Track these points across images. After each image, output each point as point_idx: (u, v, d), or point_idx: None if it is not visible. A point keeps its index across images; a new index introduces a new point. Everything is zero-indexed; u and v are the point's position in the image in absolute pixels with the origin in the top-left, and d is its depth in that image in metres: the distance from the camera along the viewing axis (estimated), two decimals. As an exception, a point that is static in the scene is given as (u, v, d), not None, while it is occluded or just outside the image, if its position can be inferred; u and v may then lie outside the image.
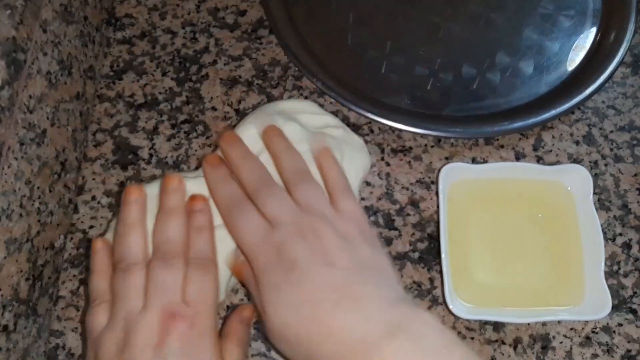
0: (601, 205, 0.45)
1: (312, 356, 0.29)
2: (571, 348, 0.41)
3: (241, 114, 0.48)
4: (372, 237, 0.34)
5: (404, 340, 0.27)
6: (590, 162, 0.47)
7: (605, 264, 0.41)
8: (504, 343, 0.41)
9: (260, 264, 0.32)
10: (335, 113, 0.48)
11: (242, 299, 0.41)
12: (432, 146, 0.47)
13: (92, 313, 0.33)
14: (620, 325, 0.42)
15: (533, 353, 0.40)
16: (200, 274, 0.33)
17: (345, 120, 0.48)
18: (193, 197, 0.36)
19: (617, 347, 0.41)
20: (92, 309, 0.33)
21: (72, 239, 0.43)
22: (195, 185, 0.36)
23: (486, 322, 0.41)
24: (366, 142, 0.47)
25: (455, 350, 0.28)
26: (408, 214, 0.45)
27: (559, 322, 0.41)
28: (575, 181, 0.43)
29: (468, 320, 0.41)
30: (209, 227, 0.35)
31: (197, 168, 0.46)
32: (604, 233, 0.42)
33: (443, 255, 0.39)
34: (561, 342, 0.41)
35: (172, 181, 0.35)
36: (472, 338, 0.41)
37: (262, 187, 0.34)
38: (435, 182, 0.45)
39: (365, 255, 0.32)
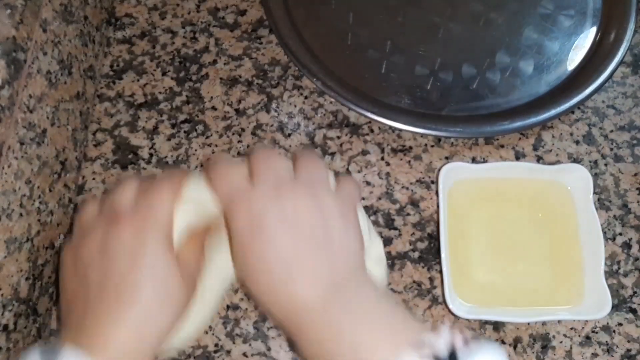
0: (601, 205, 0.45)
1: (271, 317, 0.31)
2: (571, 348, 0.41)
3: (241, 114, 0.48)
4: (350, 214, 0.33)
5: (337, 300, 0.29)
6: (590, 161, 0.47)
7: (605, 263, 0.41)
8: (504, 342, 0.41)
9: (233, 216, 0.31)
10: (335, 113, 0.48)
11: (242, 298, 0.41)
12: (432, 146, 0.47)
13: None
14: (620, 325, 0.42)
15: (533, 353, 0.40)
16: (155, 186, 0.33)
17: (345, 120, 0.48)
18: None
19: (617, 346, 0.41)
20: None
21: (72, 238, 0.43)
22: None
23: (486, 322, 0.41)
24: (366, 142, 0.47)
25: (383, 302, 0.29)
26: (408, 214, 0.45)
27: (559, 321, 0.41)
28: (575, 181, 0.43)
29: (468, 320, 0.41)
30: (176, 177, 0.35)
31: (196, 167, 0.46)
32: (604, 233, 0.42)
33: (443, 255, 0.39)
34: (561, 342, 0.41)
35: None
36: (472, 338, 0.41)
37: (263, 149, 0.34)
38: (435, 182, 0.45)
39: (333, 227, 0.31)
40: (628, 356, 0.41)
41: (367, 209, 0.44)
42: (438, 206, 0.42)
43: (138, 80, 0.49)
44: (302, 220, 0.30)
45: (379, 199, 0.45)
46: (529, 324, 0.41)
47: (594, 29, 0.52)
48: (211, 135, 0.47)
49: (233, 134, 0.47)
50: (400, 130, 0.46)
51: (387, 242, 0.43)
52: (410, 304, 0.42)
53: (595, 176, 0.46)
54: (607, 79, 0.48)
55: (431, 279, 0.42)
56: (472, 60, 0.50)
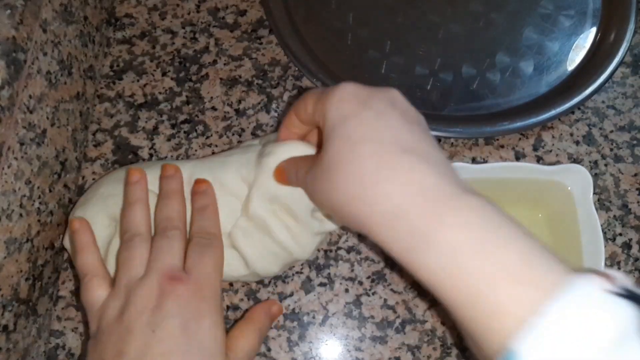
0: (601, 205, 0.45)
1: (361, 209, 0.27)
2: (571, 348, 0.41)
3: (241, 114, 0.48)
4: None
5: (474, 198, 0.26)
6: (590, 162, 0.47)
7: (605, 264, 0.41)
8: (504, 343, 0.41)
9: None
10: (335, 113, 0.48)
11: (242, 299, 0.41)
12: (432, 146, 0.47)
13: (88, 288, 0.33)
14: (620, 325, 0.42)
15: (533, 353, 0.40)
16: (199, 248, 0.34)
17: (345, 120, 0.48)
18: (197, 181, 0.37)
19: (617, 347, 0.41)
20: (86, 285, 0.34)
21: (72, 239, 0.43)
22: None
23: (486, 322, 0.41)
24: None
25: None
26: (408, 214, 0.44)
27: (559, 322, 0.41)
28: (575, 181, 0.43)
29: (468, 320, 0.41)
30: (212, 206, 0.36)
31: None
32: (604, 233, 0.42)
33: (443, 255, 0.39)
34: (561, 342, 0.41)
35: (170, 169, 0.37)
36: (472, 338, 0.41)
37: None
38: (435, 182, 0.45)
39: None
40: (628, 356, 0.41)
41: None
42: (438, 206, 0.42)
43: (138, 81, 0.49)
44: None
45: (379, 199, 0.45)
46: (529, 324, 0.41)
47: (594, 29, 0.52)
48: (211, 135, 0.47)
49: (233, 134, 0.47)
50: (400, 130, 0.46)
51: (387, 242, 0.43)
52: (410, 304, 0.42)
53: (595, 176, 0.46)
54: (607, 79, 0.48)
55: (431, 279, 0.42)
56: (472, 60, 0.50)
